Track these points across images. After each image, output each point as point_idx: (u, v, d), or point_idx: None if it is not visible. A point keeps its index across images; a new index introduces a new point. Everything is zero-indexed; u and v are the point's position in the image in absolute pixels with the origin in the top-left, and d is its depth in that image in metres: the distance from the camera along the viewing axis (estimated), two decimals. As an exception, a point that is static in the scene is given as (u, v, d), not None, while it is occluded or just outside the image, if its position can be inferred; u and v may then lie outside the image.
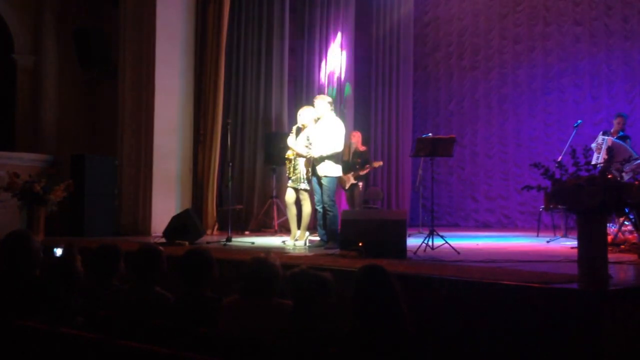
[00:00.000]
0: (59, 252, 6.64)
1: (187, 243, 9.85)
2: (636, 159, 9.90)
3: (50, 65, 13.76)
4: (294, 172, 9.96)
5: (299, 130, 9.92)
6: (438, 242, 8.73)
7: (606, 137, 10.85)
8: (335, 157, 9.46)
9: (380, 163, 13.21)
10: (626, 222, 9.00)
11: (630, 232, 8.96)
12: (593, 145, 10.81)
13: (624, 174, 9.40)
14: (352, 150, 12.58)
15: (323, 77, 14.16)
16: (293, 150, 9.90)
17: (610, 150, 9.91)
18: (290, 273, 4.45)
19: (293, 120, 11.07)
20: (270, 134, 13.31)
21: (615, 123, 11.24)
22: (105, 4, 13.67)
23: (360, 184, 12.48)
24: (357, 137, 12.78)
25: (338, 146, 9.43)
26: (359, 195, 12.49)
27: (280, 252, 8.77)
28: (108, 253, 5.59)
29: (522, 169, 14.42)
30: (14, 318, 4.42)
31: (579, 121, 11.24)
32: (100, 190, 11.89)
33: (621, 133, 11.05)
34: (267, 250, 8.42)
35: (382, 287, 4.02)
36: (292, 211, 10.19)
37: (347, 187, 12.46)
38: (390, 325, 3.89)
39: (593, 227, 5.62)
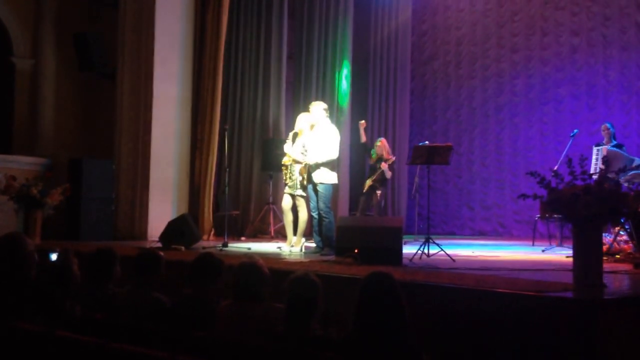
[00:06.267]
0: (54, 257, 6.64)
1: (183, 248, 9.87)
2: (631, 169, 9.95)
3: (48, 68, 13.76)
4: (290, 179, 9.97)
5: (295, 136, 9.95)
6: (434, 249, 8.75)
7: (600, 147, 10.92)
8: (330, 164, 9.48)
9: (388, 162, 12.63)
10: (621, 232, 9.03)
11: (626, 241, 8.99)
12: (594, 161, 10.87)
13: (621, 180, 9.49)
14: (378, 155, 12.37)
15: (320, 83, 14.17)
16: (289, 156, 9.93)
17: (605, 159, 10.02)
18: (291, 277, 4.46)
19: (290, 126, 11.09)
20: (268, 140, 13.33)
21: (602, 134, 11.35)
22: (104, 8, 13.68)
23: (379, 192, 12.28)
24: (382, 144, 12.50)
25: (333, 153, 9.45)
26: (377, 202, 12.35)
27: (276, 258, 8.79)
28: (104, 257, 5.61)
29: (518, 177, 14.43)
30: (9, 320, 4.42)
31: (576, 131, 11.29)
32: (97, 194, 11.91)
33: (614, 141, 11.12)
34: (251, 254, 8.44)
35: (389, 295, 4.01)
36: (288, 217, 10.20)
37: (364, 190, 12.36)
38: (392, 334, 3.90)
39: (588, 236, 5.65)
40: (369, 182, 12.28)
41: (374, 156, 12.35)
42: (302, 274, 4.48)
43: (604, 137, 11.30)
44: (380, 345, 3.86)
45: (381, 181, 12.19)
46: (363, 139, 12.53)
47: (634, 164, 10.56)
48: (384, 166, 11.98)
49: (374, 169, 12.29)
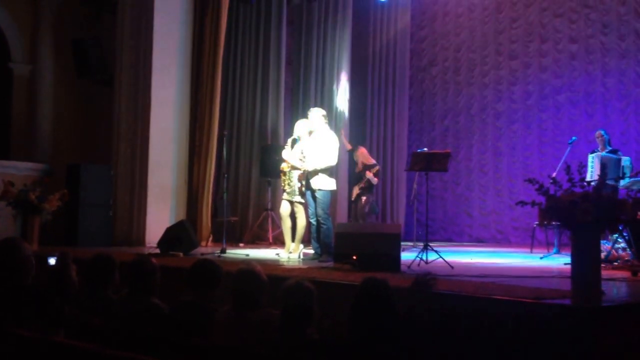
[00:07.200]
0: (52, 261, 6.63)
1: (181, 254, 9.85)
2: (631, 177, 10.00)
3: (46, 74, 13.76)
4: (288, 185, 9.97)
5: (294, 142, 9.96)
6: (432, 256, 8.74)
7: (595, 155, 11.01)
8: (329, 171, 9.49)
9: (374, 171, 12.84)
10: (619, 239, 9.03)
11: (624, 249, 8.99)
12: (590, 168, 10.92)
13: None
14: (361, 164, 12.61)
15: (319, 89, 14.19)
16: (288, 162, 9.93)
17: (603, 166, 10.09)
18: (285, 285, 4.46)
19: (289, 132, 11.09)
20: (266, 147, 13.32)
21: (597, 141, 11.42)
22: (102, 13, 13.67)
23: (364, 198, 12.46)
24: (361, 152, 12.81)
25: (332, 160, 9.46)
26: (360, 208, 12.50)
27: (274, 264, 8.78)
28: (103, 263, 5.59)
29: (516, 184, 14.44)
30: (5, 326, 4.40)
31: (574, 138, 11.33)
32: (95, 200, 11.90)
33: (609, 148, 11.17)
34: (248, 260, 8.45)
35: (383, 301, 4.01)
36: (286, 224, 10.19)
37: (352, 199, 12.52)
38: (386, 339, 3.90)
39: (586, 243, 5.64)
40: (356, 190, 12.44)
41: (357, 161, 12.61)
42: (294, 282, 4.47)
43: (599, 145, 11.35)
44: (376, 351, 3.86)
45: (368, 188, 12.38)
46: (348, 146, 12.85)
47: (622, 164, 10.69)
48: (369, 174, 12.17)
49: (359, 177, 12.46)
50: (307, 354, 4.01)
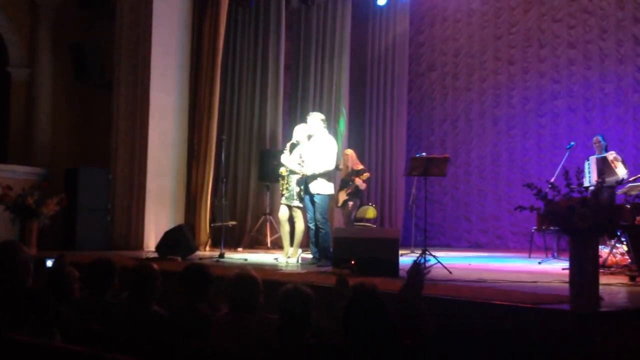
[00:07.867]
0: (50, 263, 6.63)
1: (179, 258, 9.84)
2: (629, 182, 10.02)
3: (44, 78, 13.75)
4: (287, 189, 9.97)
5: (293, 147, 9.96)
6: (430, 261, 8.73)
7: (590, 160, 11.06)
8: (327, 175, 9.49)
9: (363, 178, 12.69)
10: (618, 245, 9.03)
11: (622, 254, 8.99)
12: (587, 174, 10.97)
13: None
14: (349, 168, 12.46)
15: (318, 94, 14.19)
16: (286, 167, 9.93)
17: (601, 171, 10.14)
18: (283, 290, 4.45)
19: (287, 137, 11.09)
20: (265, 151, 13.33)
21: (594, 146, 11.48)
22: (101, 17, 13.67)
23: (351, 203, 12.34)
24: (349, 156, 12.57)
25: (330, 164, 9.47)
26: (347, 214, 12.40)
27: (273, 269, 8.77)
28: (103, 268, 5.58)
29: (514, 189, 14.43)
30: (3, 330, 4.39)
31: (572, 143, 11.36)
32: (93, 204, 11.89)
33: (605, 153, 11.22)
34: (243, 265, 8.45)
35: (374, 305, 4.02)
36: (285, 228, 10.19)
37: (339, 204, 12.39)
38: (382, 339, 3.90)
39: (585, 248, 5.64)
40: (343, 196, 12.25)
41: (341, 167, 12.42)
42: (293, 286, 4.47)
43: (596, 150, 11.39)
44: (373, 351, 3.86)
45: (355, 194, 12.23)
46: None
47: (609, 158, 10.74)
48: (358, 181, 12.02)
49: (346, 182, 12.28)
50: (305, 357, 4.01)
